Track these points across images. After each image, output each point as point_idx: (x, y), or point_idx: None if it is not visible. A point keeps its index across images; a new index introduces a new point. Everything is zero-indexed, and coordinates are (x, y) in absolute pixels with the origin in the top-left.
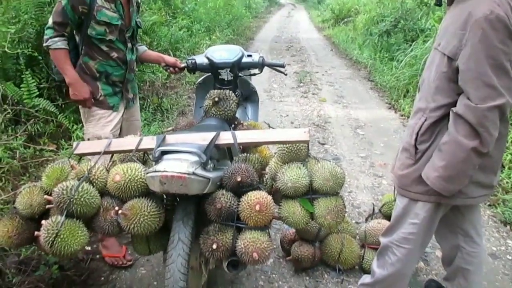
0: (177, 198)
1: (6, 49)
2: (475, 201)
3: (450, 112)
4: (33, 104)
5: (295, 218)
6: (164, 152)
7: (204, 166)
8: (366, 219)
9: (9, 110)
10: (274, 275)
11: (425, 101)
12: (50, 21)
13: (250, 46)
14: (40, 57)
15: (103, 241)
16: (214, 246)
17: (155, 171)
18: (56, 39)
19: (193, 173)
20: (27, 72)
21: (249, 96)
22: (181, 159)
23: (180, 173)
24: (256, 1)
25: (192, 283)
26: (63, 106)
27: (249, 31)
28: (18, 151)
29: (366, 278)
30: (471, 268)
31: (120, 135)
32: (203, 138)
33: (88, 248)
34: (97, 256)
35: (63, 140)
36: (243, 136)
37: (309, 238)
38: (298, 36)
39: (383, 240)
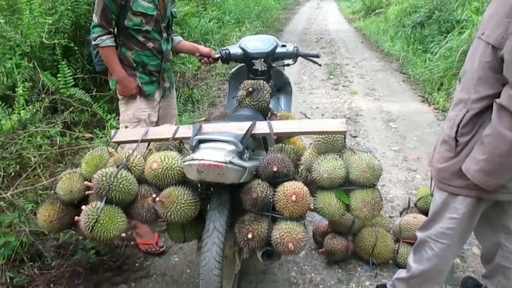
0: (211, 188)
1: (43, 40)
2: None
3: (494, 104)
4: (69, 93)
5: (331, 210)
6: (201, 141)
7: (240, 155)
8: (401, 213)
9: (47, 99)
10: (306, 267)
11: (467, 92)
12: (96, 19)
13: (280, 38)
14: (75, 48)
15: (137, 229)
16: (250, 236)
17: (193, 160)
18: (104, 37)
19: (230, 162)
20: (63, 63)
21: (282, 87)
22: (218, 148)
23: (217, 161)
24: None
25: (225, 271)
26: (97, 96)
27: (278, 23)
28: (57, 139)
29: (401, 273)
30: None
31: (157, 123)
32: (239, 127)
33: (123, 235)
34: (131, 242)
35: (97, 129)
36: (279, 126)
37: (343, 230)
38: (328, 28)
39: (420, 235)
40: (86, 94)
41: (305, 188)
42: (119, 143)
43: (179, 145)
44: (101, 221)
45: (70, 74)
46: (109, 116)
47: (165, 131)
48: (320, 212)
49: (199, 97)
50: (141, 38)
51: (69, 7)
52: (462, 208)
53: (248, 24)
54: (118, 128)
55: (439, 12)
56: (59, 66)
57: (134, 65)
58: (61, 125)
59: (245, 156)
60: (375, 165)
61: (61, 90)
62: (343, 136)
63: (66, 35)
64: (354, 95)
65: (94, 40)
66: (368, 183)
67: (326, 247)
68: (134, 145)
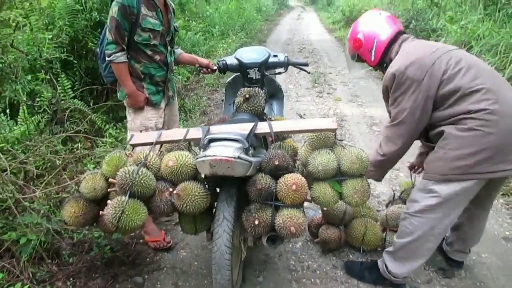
0: (217, 187)
1: (45, 54)
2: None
3: None
4: (68, 105)
5: (326, 198)
6: (211, 140)
7: (246, 151)
8: (387, 205)
9: (48, 111)
10: (303, 256)
11: None
12: (110, 36)
13: None
14: (74, 61)
15: (144, 227)
16: (256, 222)
17: (206, 156)
18: (119, 53)
19: (239, 157)
20: (62, 76)
21: (274, 94)
22: (227, 145)
23: (227, 157)
24: (266, 4)
25: (233, 259)
26: (95, 107)
27: (261, 34)
28: (58, 148)
29: (389, 248)
30: None
31: (163, 129)
32: (243, 128)
33: (132, 234)
34: (141, 240)
35: (96, 138)
36: (278, 126)
37: (335, 222)
38: (310, 38)
39: (402, 215)
40: (85, 105)
41: (303, 179)
42: (135, 145)
43: (188, 146)
44: (127, 212)
45: (69, 86)
46: (107, 126)
47: (177, 133)
48: (316, 201)
49: (191, 106)
50: (149, 52)
51: (67, 23)
52: (445, 190)
53: (233, 36)
54: (121, 136)
55: (415, 21)
56: (58, 79)
57: (142, 76)
58: (63, 135)
59: (250, 152)
60: (363, 157)
61: (61, 102)
62: (334, 133)
63: (65, 49)
64: (338, 101)
65: (109, 56)
66: (358, 173)
67: (320, 237)
68: (146, 148)
